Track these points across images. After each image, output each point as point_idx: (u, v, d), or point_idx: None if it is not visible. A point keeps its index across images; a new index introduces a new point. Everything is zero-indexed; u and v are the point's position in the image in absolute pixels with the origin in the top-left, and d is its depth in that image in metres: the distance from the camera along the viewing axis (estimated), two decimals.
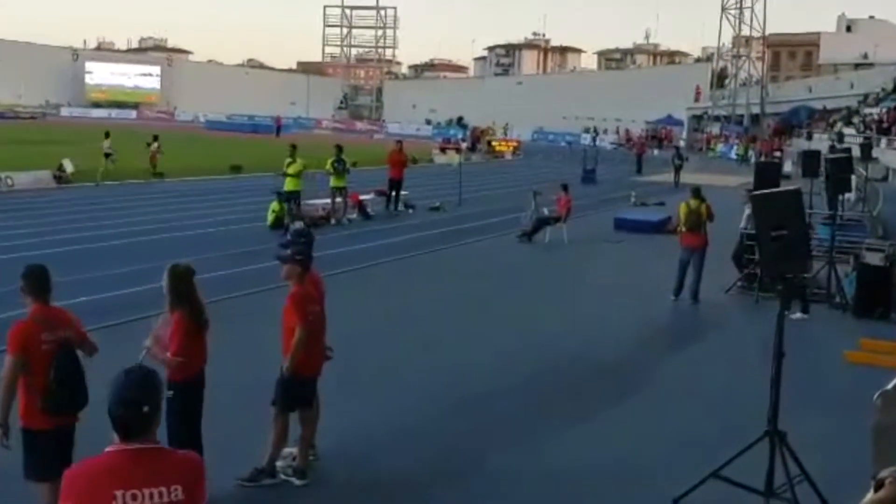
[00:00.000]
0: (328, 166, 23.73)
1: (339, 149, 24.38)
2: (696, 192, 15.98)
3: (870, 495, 2.41)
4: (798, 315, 13.92)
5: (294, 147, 23.02)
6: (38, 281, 5.79)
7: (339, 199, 23.78)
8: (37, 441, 5.61)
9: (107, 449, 3.32)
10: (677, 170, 40.62)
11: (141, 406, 3.28)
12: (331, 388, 8.12)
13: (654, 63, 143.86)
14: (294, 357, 7.17)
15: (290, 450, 7.57)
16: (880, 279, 14.59)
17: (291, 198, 21.96)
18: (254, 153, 32.05)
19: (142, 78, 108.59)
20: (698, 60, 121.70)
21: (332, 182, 23.66)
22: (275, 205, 21.96)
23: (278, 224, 21.22)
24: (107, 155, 31.96)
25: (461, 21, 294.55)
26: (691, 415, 9.68)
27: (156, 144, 34.35)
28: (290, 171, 22.06)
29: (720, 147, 73.68)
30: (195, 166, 37.23)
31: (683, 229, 15.67)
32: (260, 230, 20.93)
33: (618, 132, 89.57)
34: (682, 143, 68.97)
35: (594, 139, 78.43)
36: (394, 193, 26.50)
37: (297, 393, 7.30)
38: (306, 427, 7.50)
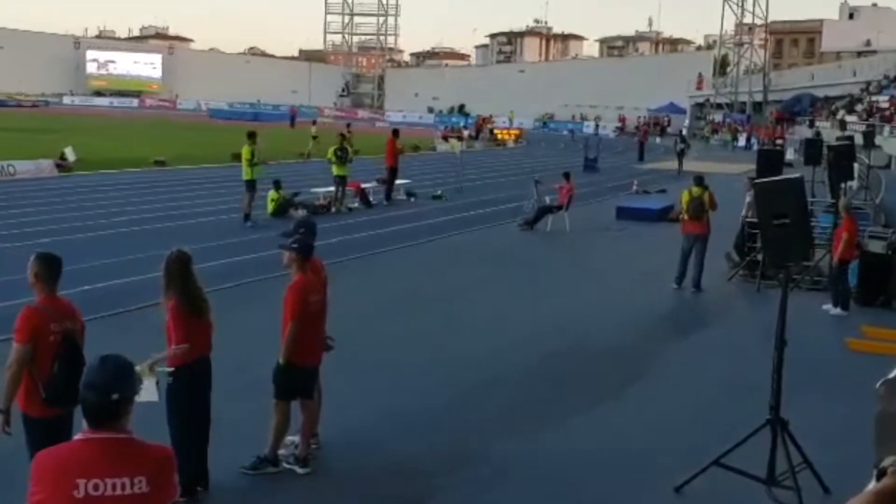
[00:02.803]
0: (330, 154, 23.69)
1: (343, 137, 24.33)
2: (699, 179, 15.97)
3: (872, 484, 2.41)
4: (837, 311, 13.92)
5: (253, 134, 21.54)
6: (49, 267, 5.70)
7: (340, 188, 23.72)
8: (37, 429, 5.59)
9: (75, 436, 3.31)
10: (680, 155, 40.46)
11: (110, 393, 3.23)
12: (333, 377, 8.12)
13: (657, 51, 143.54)
14: (287, 348, 7.17)
15: (293, 438, 7.59)
16: (883, 267, 14.59)
17: (245, 187, 20.67)
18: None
19: (143, 66, 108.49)
20: (700, 48, 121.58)
21: (335, 171, 23.60)
22: (273, 193, 21.97)
23: (279, 212, 21.30)
24: (314, 137, 39.63)
25: (463, 9, 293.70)
26: (693, 403, 9.68)
27: (348, 130, 40.00)
28: (255, 159, 20.79)
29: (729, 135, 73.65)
30: (198, 155, 37.35)
31: (686, 217, 15.66)
32: (262, 219, 20.90)
33: (586, 119, 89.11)
34: (683, 130, 68.96)
35: (597, 126, 78.47)
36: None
37: (295, 382, 7.30)
38: (307, 416, 7.50)
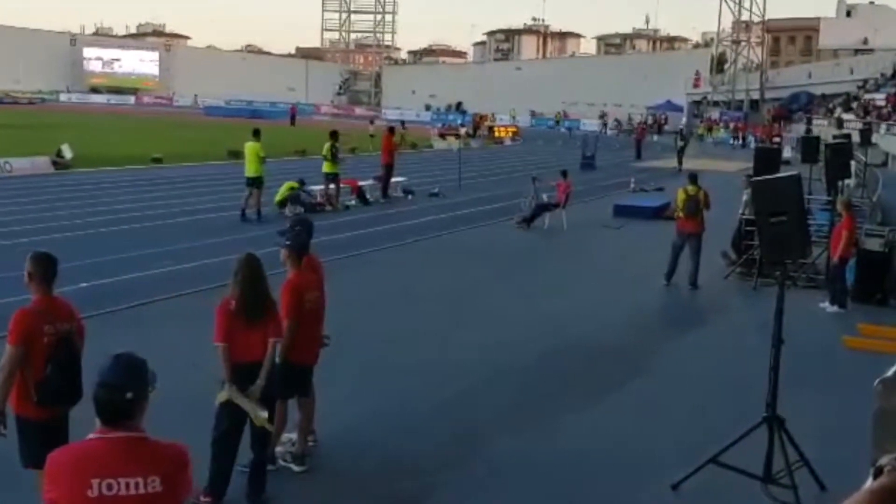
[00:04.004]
0: (325, 152, 23.68)
1: (335, 135, 24.35)
2: (694, 178, 16.07)
3: (869, 482, 2.40)
4: (834, 308, 13.90)
5: (258, 131, 21.75)
6: (44, 268, 5.65)
7: (332, 186, 23.74)
8: (29, 429, 5.55)
9: (89, 435, 3.30)
10: (680, 153, 40.38)
11: (124, 391, 3.23)
12: (329, 375, 8.11)
13: (654, 48, 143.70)
14: (284, 347, 7.16)
15: (290, 436, 7.58)
16: (879, 265, 14.58)
17: (256, 184, 20.76)
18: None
19: (140, 63, 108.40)
20: (697, 46, 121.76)
21: (326, 168, 23.60)
22: (293, 183, 22.25)
23: (284, 202, 21.72)
24: (371, 136, 43.21)
25: (460, 6, 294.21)
26: (690, 401, 9.68)
27: (403, 129, 43.81)
28: (262, 154, 20.98)
29: (722, 132, 73.70)
30: (195, 152, 37.34)
31: (681, 215, 15.68)
32: (272, 216, 20.84)
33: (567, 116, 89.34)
34: (682, 128, 69.06)
35: (605, 125, 78.42)
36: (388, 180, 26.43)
37: (292, 381, 7.29)
38: (304, 414, 7.49)
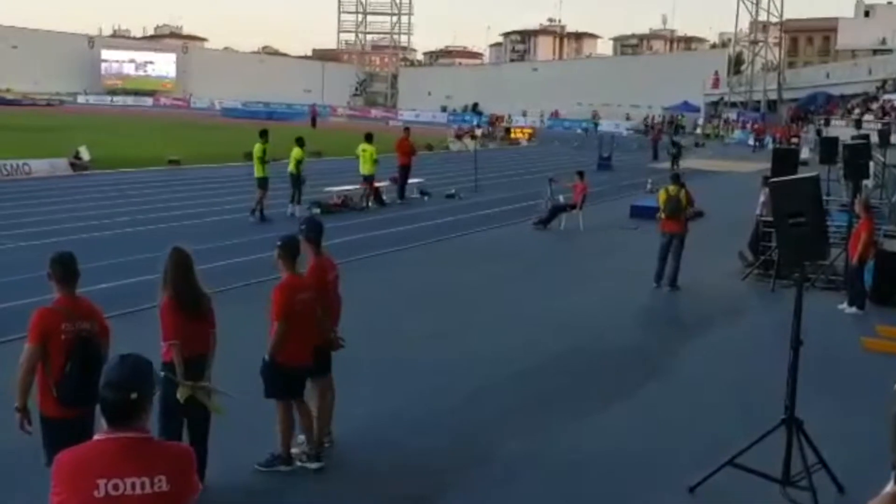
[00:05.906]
0: (374, 154, 23.94)
1: (370, 137, 24.54)
2: (676, 177, 16.13)
3: (890, 485, 2.39)
4: (852, 310, 13.84)
5: (265, 132, 22.08)
6: (63, 268, 5.72)
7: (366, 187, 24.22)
8: (52, 428, 5.60)
9: (95, 436, 3.33)
10: (674, 158, 39.89)
11: (129, 392, 3.25)
12: (346, 374, 8.13)
13: (671, 49, 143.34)
14: (273, 349, 7.15)
15: (303, 437, 7.59)
16: None
17: (260, 184, 21.07)
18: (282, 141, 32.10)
19: (157, 65, 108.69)
20: (715, 46, 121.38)
21: (363, 169, 24.04)
22: (297, 152, 22.31)
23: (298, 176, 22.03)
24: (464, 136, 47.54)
25: (476, 7, 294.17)
26: (708, 402, 9.65)
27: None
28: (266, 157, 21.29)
29: (737, 133, 73.40)
30: (212, 154, 37.48)
31: (663, 216, 15.63)
32: (279, 217, 20.92)
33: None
34: (698, 129, 68.84)
35: (647, 127, 77.27)
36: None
37: (284, 383, 7.25)
38: (302, 415, 7.43)
